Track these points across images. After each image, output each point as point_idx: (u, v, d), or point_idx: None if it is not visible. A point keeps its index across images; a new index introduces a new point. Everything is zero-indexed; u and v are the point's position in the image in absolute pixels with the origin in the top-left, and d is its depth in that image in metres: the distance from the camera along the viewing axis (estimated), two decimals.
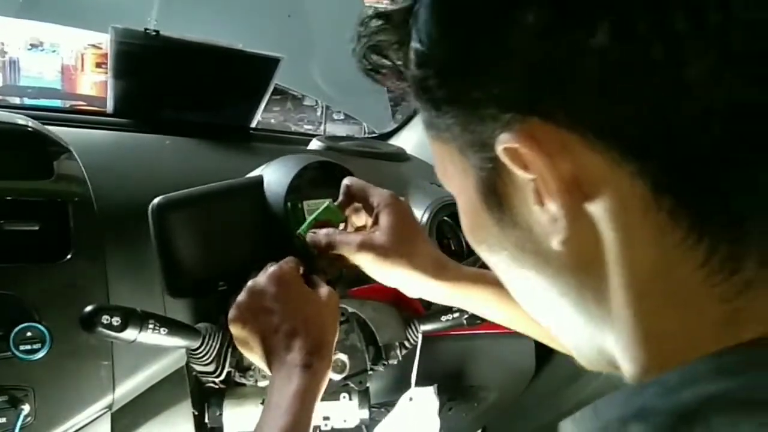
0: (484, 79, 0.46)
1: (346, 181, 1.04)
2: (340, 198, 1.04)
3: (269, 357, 0.94)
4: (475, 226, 0.56)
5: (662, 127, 0.41)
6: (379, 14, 0.56)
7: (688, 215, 0.42)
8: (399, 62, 0.55)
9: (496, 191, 0.50)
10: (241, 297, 0.97)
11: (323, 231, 1.00)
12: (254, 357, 0.97)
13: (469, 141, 0.50)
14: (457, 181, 0.55)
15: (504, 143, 0.46)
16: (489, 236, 0.54)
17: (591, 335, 0.52)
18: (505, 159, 0.46)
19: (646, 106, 0.41)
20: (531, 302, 0.57)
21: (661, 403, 0.40)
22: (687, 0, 0.39)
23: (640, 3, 0.40)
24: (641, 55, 0.40)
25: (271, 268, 0.99)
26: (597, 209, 0.45)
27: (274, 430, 0.86)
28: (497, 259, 0.56)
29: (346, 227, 1.04)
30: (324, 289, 1.00)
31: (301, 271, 1.01)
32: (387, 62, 0.57)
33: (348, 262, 0.98)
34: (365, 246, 0.96)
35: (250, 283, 0.98)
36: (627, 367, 0.48)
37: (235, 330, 0.96)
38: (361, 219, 1.05)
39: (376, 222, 1.00)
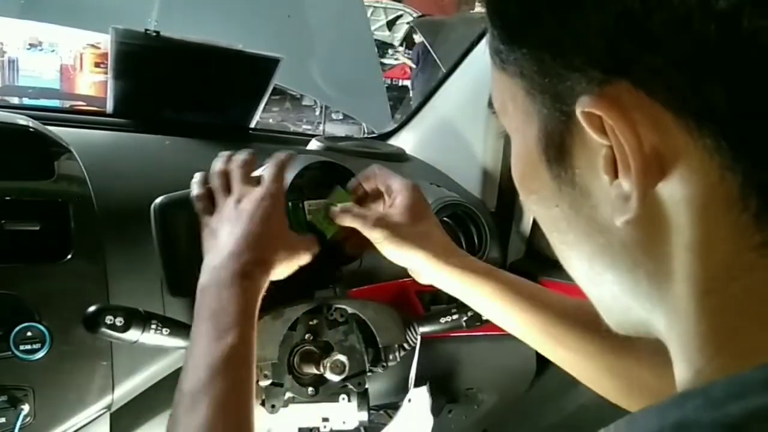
0: (575, 21, 0.42)
1: (374, 167, 1.07)
2: (353, 181, 1.08)
3: (211, 256, 0.94)
4: (527, 174, 0.53)
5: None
6: None
7: None
8: None
9: (561, 146, 0.47)
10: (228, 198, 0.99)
11: (341, 205, 1.03)
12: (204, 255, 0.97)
13: (541, 85, 0.46)
14: (516, 121, 0.52)
15: (585, 107, 0.42)
16: (542, 188, 0.51)
17: (631, 309, 0.50)
18: (582, 121, 0.43)
19: (757, 94, 0.38)
20: (572, 262, 0.54)
21: (705, 417, 0.37)
22: None
23: None
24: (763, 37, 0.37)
25: (258, 188, 1.00)
26: (675, 193, 0.42)
27: (219, 346, 0.84)
28: (546, 213, 0.53)
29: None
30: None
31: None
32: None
33: (361, 241, 1.01)
34: (381, 222, 0.99)
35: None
36: (678, 358, 0.46)
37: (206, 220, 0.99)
38: (378, 206, 1.07)
39: (392, 205, 1.02)
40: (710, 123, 0.39)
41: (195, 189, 1.02)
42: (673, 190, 0.42)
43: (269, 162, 1.05)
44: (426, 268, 1.00)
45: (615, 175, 0.43)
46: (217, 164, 1.04)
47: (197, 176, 1.04)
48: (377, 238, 0.99)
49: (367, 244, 1.02)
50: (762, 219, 0.40)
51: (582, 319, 0.91)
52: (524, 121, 0.50)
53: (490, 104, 0.57)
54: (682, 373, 0.45)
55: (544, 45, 0.45)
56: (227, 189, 1.01)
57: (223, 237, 0.95)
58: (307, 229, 1.07)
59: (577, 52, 0.43)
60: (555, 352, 0.98)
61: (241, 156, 1.05)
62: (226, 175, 1.03)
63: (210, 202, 1.01)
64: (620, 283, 0.49)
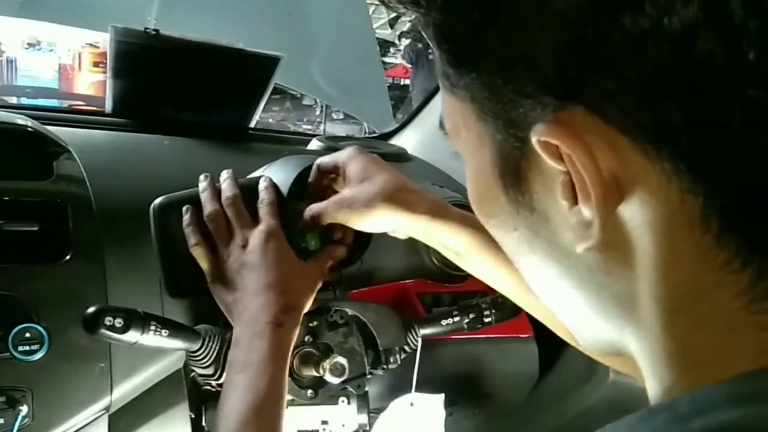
0: (529, 43, 0.41)
1: (317, 161, 1.07)
2: (311, 177, 1.07)
3: (237, 308, 0.96)
4: (484, 197, 0.52)
5: (728, 145, 0.38)
6: None
7: (736, 240, 0.39)
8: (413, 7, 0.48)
9: (517, 172, 0.46)
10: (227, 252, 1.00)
11: (307, 209, 1.02)
12: (223, 306, 1.00)
13: (493, 111, 0.45)
14: (470, 146, 0.50)
15: (540, 135, 0.41)
16: (500, 212, 0.50)
17: (601, 329, 0.50)
18: (538, 149, 0.42)
19: (713, 117, 0.38)
20: (538, 284, 0.54)
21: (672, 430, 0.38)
22: None
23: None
24: (712, 51, 0.36)
25: (259, 227, 1.01)
26: (635, 217, 0.42)
27: (250, 395, 0.87)
28: (506, 237, 0.52)
29: None
30: (312, 262, 1.03)
31: None
32: None
33: (343, 231, 1.07)
34: (337, 203, 0.99)
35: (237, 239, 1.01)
36: (649, 377, 0.46)
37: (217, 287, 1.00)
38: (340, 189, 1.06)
39: (345, 179, 1.03)
40: (667, 146, 0.39)
41: (191, 239, 1.02)
42: (633, 214, 0.42)
43: (262, 197, 1.05)
44: (398, 225, 0.99)
45: (574, 200, 0.43)
46: (207, 205, 1.03)
47: (187, 218, 1.03)
48: (343, 219, 0.99)
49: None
50: (723, 239, 0.40)
51: None
52: (478, 145, 0.49)
53: (441, 125, 0.54)
54: (652, 389, 0.45)
55: (494, 70, 0.43)
56: (226, 231, 1.02)
57: (247, 287, 0.96)
58: (303, 239, 1.07)
59: (528, 78, 0.41)
60: (532, 304, 1.00)
61: (228, 191, 1.05)
62: (219, 217, 1.03)
63: (209, 249, 1.02)
64: (588, 304, 0.49)
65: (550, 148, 0.42)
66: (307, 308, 1.00)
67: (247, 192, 1.09)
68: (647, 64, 0.37)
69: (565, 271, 0.48)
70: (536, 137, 0.42)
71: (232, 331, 1.01)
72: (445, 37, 0.46)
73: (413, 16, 0.49)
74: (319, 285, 1.03)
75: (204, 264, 1.01)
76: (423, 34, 0.49)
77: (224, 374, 1.03)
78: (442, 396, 1.22)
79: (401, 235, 1.03)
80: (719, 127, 0.38)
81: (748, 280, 0.40)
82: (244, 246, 0.99)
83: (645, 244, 0.42)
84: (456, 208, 0.99)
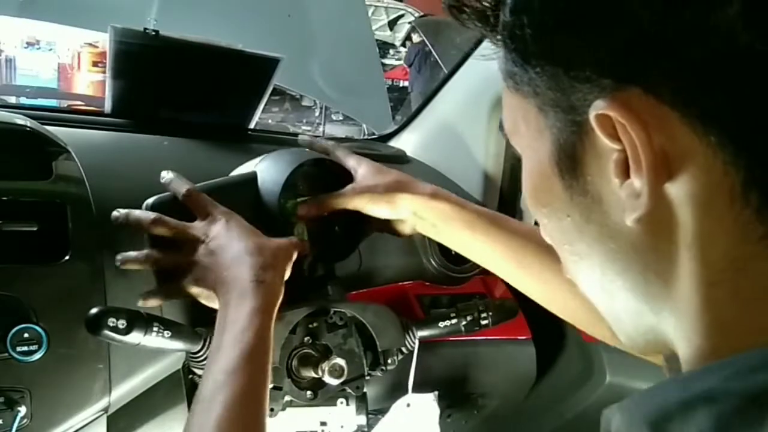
0: (589, 37, 0.45)
1: (329, 146, 1.18)
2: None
3: (218, 284, 0.96)
4: (539, 187, 0.55)
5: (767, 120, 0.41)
6: None
7: None
8: (488, 3, 0.53)
9: (573, 155, 0.49)
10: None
11: (312, 200, 1.10)
12: (204, 293, 0.99)
13: (553, 99, 0.49)
14: (528, 139, 0.54)
15: (599, 109, 0.45)
16: (554, 200, 0.53)
17: (642, 315, 0.52)
18: (595, 125, 0.46)
19: (756, 96, 0.41)
20: (583, 273, 0.56)
21: (734, 386, 0.39)
22: None
23: None
24: (762, 43, 0.40)
25: (212, 217, 1.03)
26: (681, 192, 0.44)
27: (236, 348, 0.87)
28: (557, 226, 0.55)
29: None
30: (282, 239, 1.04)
31: None
32: (474, 2, 0.54)
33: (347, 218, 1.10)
34: (356, 190, 1.08)
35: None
36: (684, 351, 0.48)
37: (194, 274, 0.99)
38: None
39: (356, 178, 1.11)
40: (714, 122, 0.42)
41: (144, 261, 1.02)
42: (679, 189, 0.44)
43: (185, 191, 1.05)
44: (412, 207, 1.06)
45: (625, 176, 0.46)
46: (157, 227, 1.03)
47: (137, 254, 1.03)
48: (361, 203, 1.07)
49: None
50: (763, 213, 0.42)
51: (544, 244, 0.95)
52: (537, 138, 0.52)
53: (501, 127, 0.59)
54: (689, 361, 0.47)
55: (558, 62, 0.47)
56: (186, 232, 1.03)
57: (222, 264, 0.97)
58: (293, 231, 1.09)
59: (589, 64, 0.45)
60: (522, 280, 1.04)
61: (180, 189, 1.06)
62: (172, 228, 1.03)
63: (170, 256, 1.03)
64: (632, 288, 0.50)
65: (606, 125, 0.45)
66: (287, 272, 1.00)
67: (240, 188, 1.10)
68: (697, 51, 0.41)
69: (612, 255, 0.50)
70: (595, 112, 0.45)
71: None
72: (514, 37, 0.50)
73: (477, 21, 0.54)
74: (294, 255, 1.03)
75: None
76: (485, 36, 0.54)
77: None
78: (434, 394, 1.22)
79: (408, 228, 1.09)
80: (761, 107, 0.41)
81: None
82: (206, 237, 1.00)
83: (687, 217, 0.45)
84: (453, 195, 1.08)
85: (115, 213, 1.02)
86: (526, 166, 0.56)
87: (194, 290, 0.99)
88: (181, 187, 1.05)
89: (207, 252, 0.99)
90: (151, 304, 1.00)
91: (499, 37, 0.52)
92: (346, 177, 1.12)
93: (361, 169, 1.11)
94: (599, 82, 0.45)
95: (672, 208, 0.45)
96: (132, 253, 1.02)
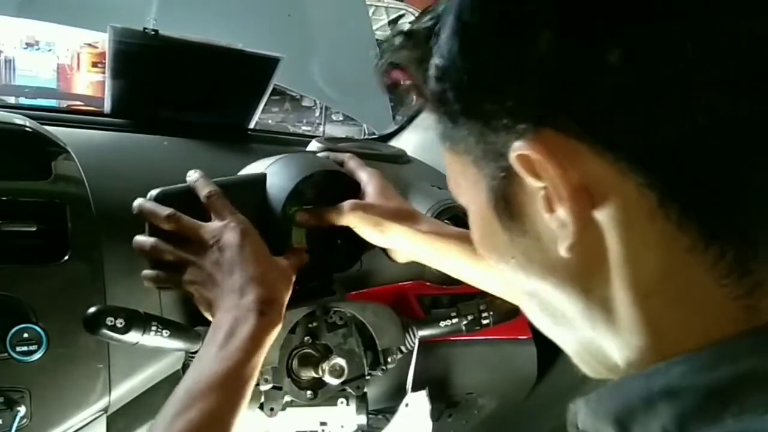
0: (501, 92, 0.48)
1: (344, 158, 1.20)
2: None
3: (219, 298, 0.96)
4: (485, 234, 0.58)
5: (669, 140, 0.43)
6: (402, 32, 0.59)
7: (695, 225, 0.44)
8: (418, 78, 0.57)
9: (507, 199, 0.53)
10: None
11: (312, 210, 1.10)
12: (203, 303, 1.00)
13: (483, 151, 0.52)
14: (470, 193, 0.58)
15: (517, 150, 0.48)
16: (498, 244, 0.56)
17: (592, 341, 0.54)
18: (517, 167, 0.48)
19: (653, 121, 0.43)
20: (536, 313, 0.59)
21: (693, 381, 0.42)
22: (695, 27, 0.42)
23: (648, 31, 0.43)
24: (650, 75, 0.43)
25: (231, 224, 1.01)
26: (604, 217, 0.47)
27: (227, 362, 0.88)
28: (505, 267, 0.58)
29: None
30: (283, 258, 1.05)
31: None
32: (406, 78, 0.60)
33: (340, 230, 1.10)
34: (352, 206, 1.08)
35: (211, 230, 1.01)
36: (627, 356, 0.50)
37: (191, 275, 1.00)
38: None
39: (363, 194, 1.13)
40: (620, 150, 0.45)
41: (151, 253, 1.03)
42: (602, 214, 0.47)
43: (209, 191, 1.05)
44: (404, 241, 1.08)
45: (553, 211, 0.48)
46: (170, 223, 1.02)
47: (144, 240, 1.03)
48: (354, 221, 1.07)
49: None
50: (684, 226, 0.44)
51: None
52: (475, 189, 0.56)
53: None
54: (627, 364, 0.50)
55: (480, 117, 0.51)
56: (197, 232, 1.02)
57: (228, 283, 0.97)
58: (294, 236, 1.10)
59: (505, 114, 0.49)
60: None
61: (205, 189, 1.06)
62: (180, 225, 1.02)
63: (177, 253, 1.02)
64: (579, 317, 0.53)
65: (527, 165, 0.48)
66: (285, 303, 1.01)
67: (248, 188, 1.09)
68: (593, 89, 0.45)
69: (557, 288, 0.53)
70: (514, 153, 0.48)
71: None
72: (441, 101, 0.54)
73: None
74: (292, 280, 1.04)
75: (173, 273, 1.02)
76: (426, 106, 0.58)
77: None
78: (426, 390, 1.23)
79: (401, 257, 1.14)
80: (659, 126, 0.43)
81: (712, 259, 0.44)
82: (217, 243, 0.99)
83: (614, 239, 0.47)
84: (454, 228, 1.11)
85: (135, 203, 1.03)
86: (471, 218, 0.60)
87: (189, 289, 1.00)
88: (205, 187, 1.05)
89: (214, 261, 0.98)
90: (146, 285, 1.01)
91: (430, 105, 0.57)
92: (355, 190, 1.12)
93: (369, 186, 1.13)
94: (516, 128, 0.48)
95: (599, 233, 0.48)
96: (141, 238, 1.02)
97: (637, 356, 0.49)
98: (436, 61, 0.53)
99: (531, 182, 0.49)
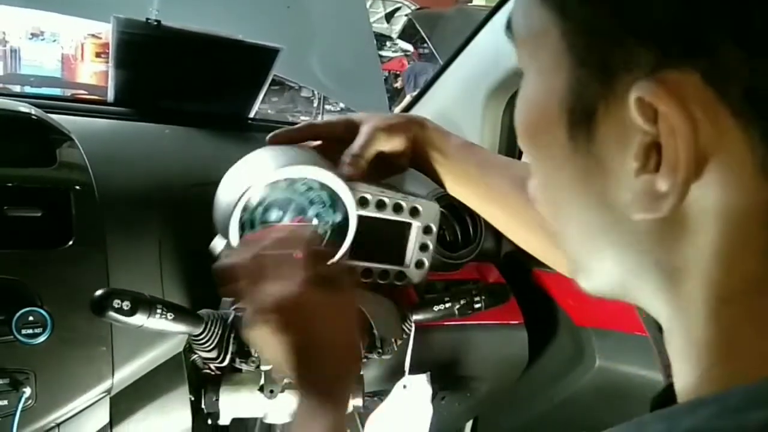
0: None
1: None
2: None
3: (302, 355, 0.77)
4: (538, 125, 0.47)
5: None
6: None
7: None
8: None
9: (590, 113, 0.42)
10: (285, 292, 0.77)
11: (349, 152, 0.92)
12: (275, 358, 0.81)
13: (586, 43, 0.41)
14: (541, 63, 0.46)
15: (644, 93, 0.38)
16: (552, 145, 0.46)
17: (624, 283, 0.47)
18: (633, 105, 0.38)
19: None
20: (568, 229, 0.49)
21: (719, 425, 0.35)
22: None
23: None
24: None
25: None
26: (708, 199, 0.38)
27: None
28: (549, 174, 0.49)
29: None
30: (347, 292, 0.85)
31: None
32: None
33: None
34: (375, 126, 0.92)
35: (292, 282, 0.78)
36: (680, 366, 0.44)
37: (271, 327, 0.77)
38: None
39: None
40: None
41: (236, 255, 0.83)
42: (706, 195, 0.38)
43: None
44: (426, 160, 0.95)
45: (647, 165, 0.39)
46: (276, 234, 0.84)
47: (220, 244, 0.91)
48: (375, 139, 0.91)
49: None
50: None
51: (508, 174, 0.90)
52: (551, 69, 0.44)
53: (509, 26, 0.49)
54: (682, 372, 0.43)
55: (601, 18, 0.40)
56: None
57: (326, 344, 0.79)
58: None
59: (647, 24, 0.38)
60: (483, 206, 0.95)
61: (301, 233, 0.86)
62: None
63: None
64: (622, 263, 0.45)
65: (645, 108, 0.38)
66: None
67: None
68: None
69: (607, 227, 0.45)
70: (636, 94, 0.38)
71: (233, 315, 1.03)
72: None
73: None
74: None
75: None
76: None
77: (227, 357, 1.05)
78: (427, 374, 1.24)
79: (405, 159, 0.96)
80: None
81: None
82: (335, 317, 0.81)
83: (711, 228, 0.39)
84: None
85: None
86: (527, 91, 0.48)
87: (254, 319, 0.77)
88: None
89: (311, 309, 0.78)
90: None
91: None
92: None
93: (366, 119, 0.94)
94: (651, 50, 0.38)
95: (692, 212, 0.39)
96: (242, 242, 0.88)
97: (695, 367, 0.42)
98: None
99: (638, 121, 0.39)
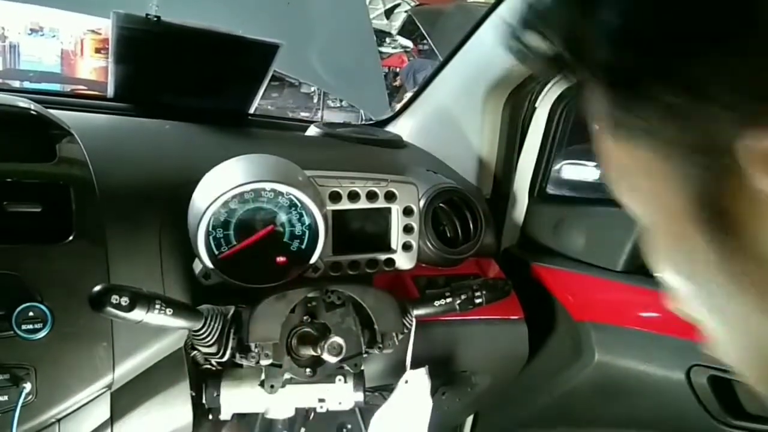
0: (726, 54, 0.35)
1: None
2: None
3: None
4: (674, 250, 0.43)
5: None
6: None
7: None
8: (568, 44, 0.42)
9: (719, 206, 0.38)
10: None
11: None
12: None
13: (682, 140, 0.38)
14: (651, 196, 0.42)
15: (752, 140, 0.34)
16: (695, 263, 0.41)
17: None
18: (748, 163, 0.35)
19: None
20: (732, 348, 0.44)
21: None
22: None
23: None
24: None
25: None
26: None
27: None
28: (692, 291, 0.44)
29: None
30: None
31: None
32: (546, 45, 0.43)
33: None
34: None
35: None
36: None
37: None
38: None
39: None
40: None
41: None
42: None
43: None
44: None
45: None
46: None
47: None
48: None
49: None
50: None
51: None
52: (662, 191, 0.41)
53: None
54: None
55: (685, 92, 0.37)
56: None
57: None
58: None
59: (729, 90, 0.35)
60: None
61: None
62: None
63: None
64: None
65: (761, 161, 0.34)
66: None
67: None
68: None
69: None
70: (746, 144, 0.34)
71: (233, 311, 1.03)
72: (617, 73, 0.40)
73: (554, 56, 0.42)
74: None
75: None
76: (575, 79, 0.43)
77: (227, 352, 1.05)
78: (426, 367, 1.24)
79: None
80: None
81: None
82: None
83: None
84: None
85: None
86: (649, 226, 0.45)
87: None
88: None
89: None
90: None
91: (587, 74, 0.42)
92: None
93: None
94: (746, 108, 0.34)
95: None
96: None
97: None
98: (608, 17, 0.39)
99: (765, 186, 0.34)
